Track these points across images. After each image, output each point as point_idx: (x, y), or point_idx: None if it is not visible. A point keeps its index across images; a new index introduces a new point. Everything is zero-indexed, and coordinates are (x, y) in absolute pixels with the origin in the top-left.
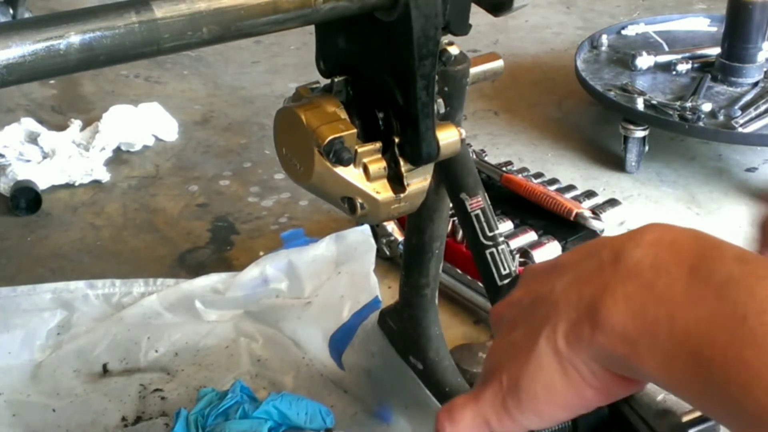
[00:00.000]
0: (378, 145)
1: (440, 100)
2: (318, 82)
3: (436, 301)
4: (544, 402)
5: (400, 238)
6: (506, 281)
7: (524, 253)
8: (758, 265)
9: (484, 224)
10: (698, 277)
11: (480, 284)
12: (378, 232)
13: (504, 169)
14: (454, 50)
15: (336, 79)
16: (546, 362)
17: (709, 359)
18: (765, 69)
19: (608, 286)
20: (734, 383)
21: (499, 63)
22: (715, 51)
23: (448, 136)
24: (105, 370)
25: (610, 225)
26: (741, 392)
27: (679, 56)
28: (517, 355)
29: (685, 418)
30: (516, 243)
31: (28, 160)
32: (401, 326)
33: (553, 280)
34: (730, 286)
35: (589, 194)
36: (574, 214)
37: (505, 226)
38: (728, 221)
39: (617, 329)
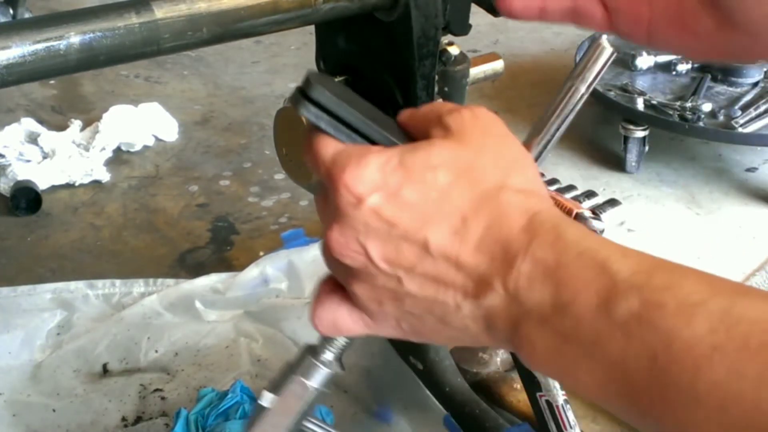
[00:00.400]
0: None
1: (440, 100)
2: None
3: None
4: (427, 339)
5: None
6: None
7: None
8: (656, 288)
9: None
10: (601, 316)
11: None
12: None
13: None
14: (454, 50)
15: (336, 79)
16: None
17: (636, 399)
18: (765, 69)
19: (516, 329)
20: (665, 421)
21: (499, 63)
22: None
23: None
24: (105, 370)
25: (610, 225)
26: (673, 427)
27: (679, 56)
28: (416, 318)
29: None
30: None
31: (28, 160)
32: None
33: (450, 287)
34: (634, 325)
35: (589, 194)
36: (574, 214)
37: None
38: (728, 221)
39: (541, 362)
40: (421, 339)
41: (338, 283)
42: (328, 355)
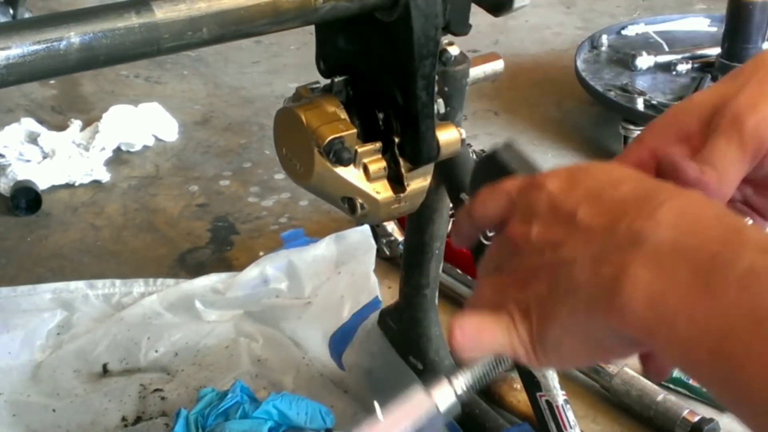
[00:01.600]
0: (378, 145)
1: (440, 100)
2: (318, 82)
3: (437, 301)
4: (567, 357)
5: (400, 238)
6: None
7: None
8: None
9: None
10: (719, 267)
11: None
12: (378, 232)
13: None
14: (454, 50)
15: (336, 79)
16: (570, 328)
17: (728, 355)
18: None
19: (627, 270)
20: (754, 381)
21: (499, 63)
22: (715, 51)
23: (448, 136)
24: (105, 370)
25: None
26: (760, 388)
27: (679, 56)
28: (544, 309)
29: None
30: None
31: (28, 160)
32: (401, 326)
33: (571, 246)
34: (751, 280)
35: None
36: None
37: None
38: None
39: (636, 317)
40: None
41: (490, 296)
42: (463, 383)
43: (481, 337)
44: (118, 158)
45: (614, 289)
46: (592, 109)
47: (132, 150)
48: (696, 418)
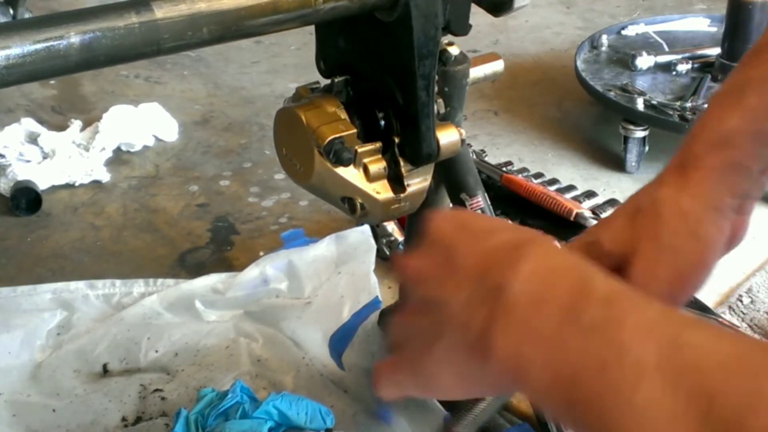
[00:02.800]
0: (378, 145)
1: (440, 100)
2: (318, 82)
3: None
4: (444, 390)
5: (400, 238)
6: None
7: None
8: (622, 307)
9: None
10: (569, 317)
11: None
12: (378, 232)
13: (504, 169)
14: (454, 50)
15: (336, 80)
16: (444, 363)
17: (577, 403)
18: None
19: (494, 317)
20: (600, 428)
21: (499, 63)
22: (715, 51)
23: (448, 136)
24: (105, 370)
25: None
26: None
27: (679, 56)
28: (422, 342)
29: None
30: None
31: (28, 161)
32: None
33: (448, 289)
34: (595, 332)
35: (589, 194)
36: (574, 214)
37: None
38: None
39: (500, 363)
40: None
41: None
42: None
43: (391, 381)
44: (118, 158)
45: (481, 335)
46: (592, 109)
47: (132, 150)
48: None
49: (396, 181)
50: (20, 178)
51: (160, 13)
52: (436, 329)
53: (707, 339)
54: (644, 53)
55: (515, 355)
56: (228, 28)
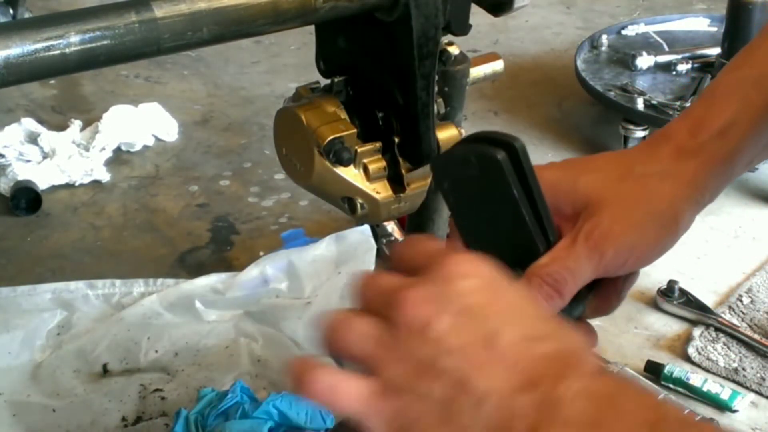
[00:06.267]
0: (378, 145)
1: (440, 100)
2: (318, 82)
3: None
4: None
5: (400, 238)
6: None
7: None
8: (700, 426)
9: None
10: None
11: None
12: (378, 232)
13: None
14: (454, 50)
15: (336, 79)
16: None
17: None
18: None
19: (544, 428)
20: None
21: (499, 63)
22: (715, 51)
23: (448, 136)
24: (105, 370)
25: None
26: None
27: (679, 56)
28: (424, 416)
29: None
30: None
31: (28, 160)
32: None
33: (485, 378)
34: None
35: None
36: None
37: None
38: (728, 221)
39: None
40: None
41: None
42: None
43: (334, 390)
44: (118, 158)
45: None
46: (592, 109)
47: (132, 150)
48: (696, 418)
49: (396, 181)
50: (20, 178)
51: (160, 12)
52: (453, 406)
53: None
54: (644, 53)
55: None
56: (228, 28)
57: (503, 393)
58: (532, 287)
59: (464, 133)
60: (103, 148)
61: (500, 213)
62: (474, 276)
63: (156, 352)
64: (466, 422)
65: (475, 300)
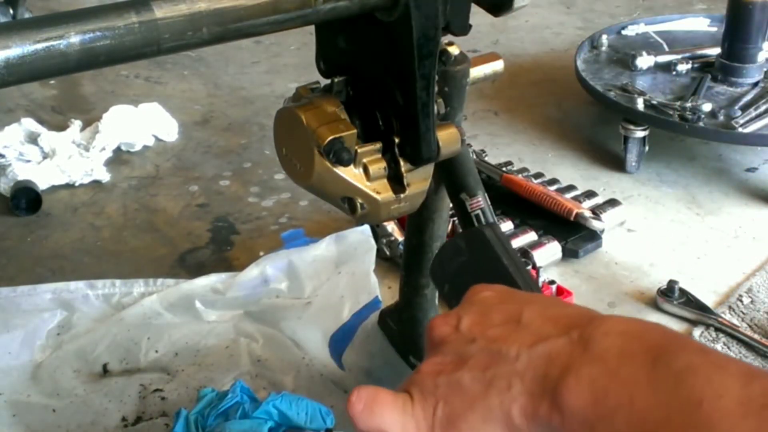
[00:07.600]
0: (378, 145)
1: (440, 100)
2: (318, 82)
3: (437, 301)
4: None
5: (400, 238)
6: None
7: (524, 253)
8: (718, 356)
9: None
10: (660, 364)
11: None
12: (378, 232)
13: (504, 169)
14: (454, 50)
15: (336, 80)
16: (493, 420)
17: None
18: (765, 69)
19: (574, 368)
20: None
21: (499, 63)
22: (715, 51)
23: (448, 136)
24: (105, 371)
25: (610, 225)
26: None
27: (679, 56)
28: (462, 396)
29: None
30: (516, 243)
31: (28, 160)
32: (401, 326)
33: (517, 342)
34: (689, 373)
35: (589, 194)
36: (574, 214)
37: (506, 226)
38: (728, 221)
39: (577, 412)
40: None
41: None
42: None
43: (374, 408)
44: (118, 158)
45: (559, 385)
46: (592, 109)
47: (132, 150)
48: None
49: (396, 181)
50: (20, 178)
51: (160, 13)
52: (484, 382)
53: None
54: (644, 53)
55: (600, 401)
56: (228, 28)
57: (534, 346)
58: None
59: (464, 133)
60: (103, 148)
61: (489, 277)
62: (490, 290)
63: (156, 352)
64: (504, 385)
65: (493, 301)
